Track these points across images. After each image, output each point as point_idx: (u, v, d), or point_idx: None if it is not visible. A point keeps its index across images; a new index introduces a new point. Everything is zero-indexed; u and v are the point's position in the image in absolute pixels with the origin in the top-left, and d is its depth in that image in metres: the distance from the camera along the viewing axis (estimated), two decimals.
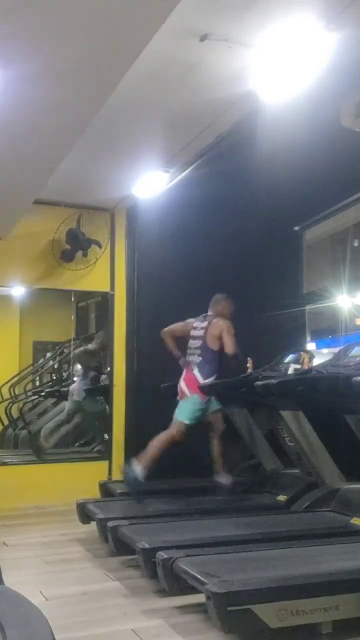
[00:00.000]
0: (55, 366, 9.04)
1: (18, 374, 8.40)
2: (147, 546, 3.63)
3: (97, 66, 3.26)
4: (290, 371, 4.79)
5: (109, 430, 6.63)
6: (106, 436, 6.91)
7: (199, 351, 5.37)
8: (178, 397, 5.39)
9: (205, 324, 5.41)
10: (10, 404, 8.27)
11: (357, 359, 4.37)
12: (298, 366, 4.83)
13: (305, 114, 4.35)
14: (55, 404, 8.61)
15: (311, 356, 4.96)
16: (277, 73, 3.70)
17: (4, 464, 6.94)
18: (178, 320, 5.73)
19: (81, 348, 8.03)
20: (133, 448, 6.41)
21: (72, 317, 7.89)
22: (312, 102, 4.14)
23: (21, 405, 8.55)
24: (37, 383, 9.04)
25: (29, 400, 8.76)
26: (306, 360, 4.82)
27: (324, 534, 4.03)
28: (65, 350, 8.48)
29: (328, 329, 10.04)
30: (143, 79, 3.90)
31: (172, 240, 6.44)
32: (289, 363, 4.98)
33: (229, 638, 2.96)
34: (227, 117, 4.58)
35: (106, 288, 6.77)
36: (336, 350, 5.05)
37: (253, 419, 5.60)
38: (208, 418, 5.40)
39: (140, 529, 4.13)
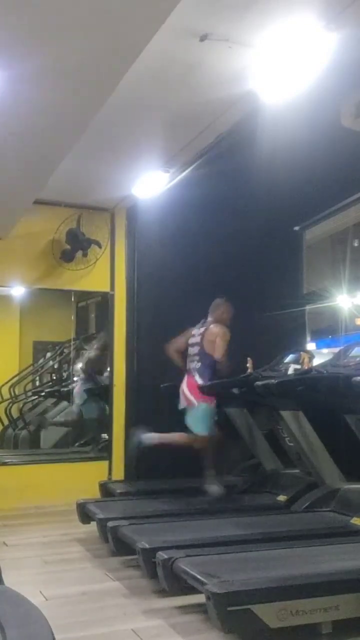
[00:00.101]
0: (55, 366, 9.04)
1: (18, 374, 8.41)
2: (147, 546, 3.63)
3: (97, 66, 3.26)
4: (290, 371, 4.79)
5: (109, 430, 6.63)
6: (106, 436, 6.91)
7: (197, 357, 5.39)
8: (183, 405, 5.37)
9: (202, 330, 5.44)
10: (10, 404, 8.28)
11: (357, 359, 4.37)
12: (298, 366, 4.84)
13: (305, 114, 4.35)
14: (55, 404, 8.62)
15: (311, 356, 4.96)
16: (277, 73, 3.70)
17: (4, 464, 6.93)
18: (178, 319, 5.75)
19: (90, 355, 7.99)
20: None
21: (72, 317, 7.89)
22: (312, 102, 4.15)
23: (21, 405, 8.56)
24: (37, 383, 9.05)
25: (29, 400, 8.77)
26: (306, 360, 4.83)
27: (324, 534, 4.03)
28: (65, 351, 8.49)
29: (328, 329, 10.04)
30: (143, 79, 3.90)
31: (172, 240, 6.44)
32: (289, 363, 4.98)
33: (229, 638, 2.96)
34: (227, 117, 4.58)
35: (106, 288, 6.77)
36: (336, 350, 5.05)
37: (253, 419, 5.60)
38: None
39: (140, 529, 4.13)
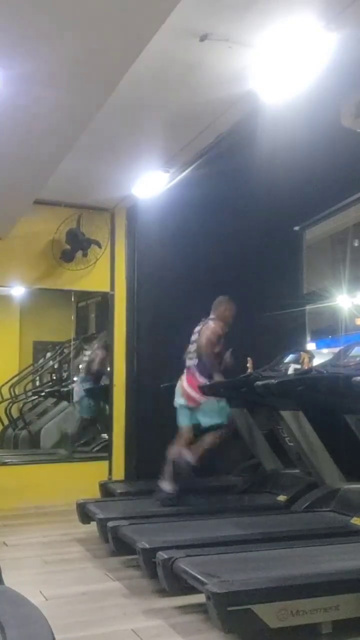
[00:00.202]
0: (55, 366, 9.04)
1: (18, 374, 8.41)
2: (147, 546, 3.63)
3: (97, 66, 3.26)
4: (290, 371, 4.79)
5: (109, 430, 6.63)
6: (106, 436, 6.91)
7: (195, 354, 5.38)
8: (181, 402, 5.36)
9: (200, 327, 5.43)
10: (10, 404, 8.28)
11: (357, 359, 4.37)
12: (298, 366, 4.83)
13: (305, 114, 4.35)
14: (55, 404, 8.62)
15: (311, 356, 4.96)
16: (277, 73, 3.70)
17: (4, 464, 6.94)
18: (178, 319, 5.75)
19: (92, 354, 7.98)
20: (133, 448, 6.43)
21: (72, 317, 7.89)
22: (312, 102, 4.14)
23: (21, 405, 8.56)
24: (37, 383, 9.05)
25: (29, 400, 8.77)
26: (306, 360, 4.82)
27: (324, 534, 4.03)
28: (65, 351, 8.49)
29: (328, 329, 10.03)
30: (143, 79, 3.90)
31: (172, 240, 6.44)
32: (289, 363, 4.98)
33: (229, 638, 2.96)
34: (227, 117, 4.58)
35: (106, 288, 6.77)
36: (336, 350, 5.05)
37: (253, 419, 5.60)
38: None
39: (140, 529, 4.13)
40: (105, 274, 6.71)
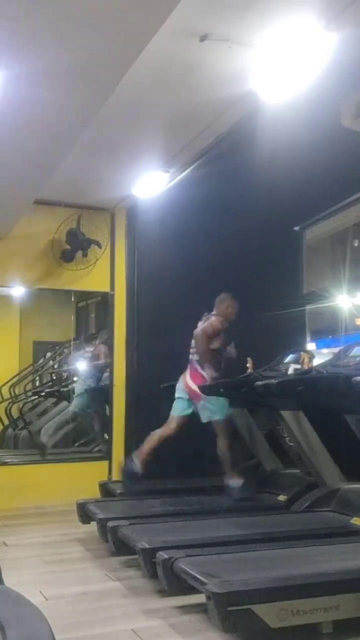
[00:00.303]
0: (55, 366, 9.04)
1: (18, 374, 8.40)
2: (147, 546, 3.63)
3: (97, 66, 3.26)
4: (290, 371, 4.79)
5: (109, 430, 6.63)
6: (106, 436, 6.91)
7: (196, 349, 5.39)
8: (183, 394, 5.38)
9: (202, 322, 5.44)
10: (10, 404, 8.27)
11: (357, 359, 4.37)
12: (298, 366, 4.83)
13: (305, 114, 4.35)
14: (55, 404, 8.62)
15: (311, 356, 4.96)
16: (277, 73, 3.70)
17: (4, 464, 6.93)
18: (178, 319, 5.76)
19: (100, 353, 7.97)
20: (133, 448, 6.42)
21: (72, 317, 7.89)
22: (312, 102, 4.15)
23: (21, 405, 8.55)
24: (37, 383, 9.05)
25: (29, 400, 8.77)
26: (306, 360, 4.82)
27: (324, 534, 4.03)
28: (66, 351, 8.48)
29: (328, 329, 10.03)
30: (143, 79, 3.90)
31: (172, 240, 6.44)
32: (289, 363, 4.97)
33: (229, 638, 2.96)
34: (227, 117, 4.58)
35: (106, 288, 6.77)
36: (336, 350, 5.05)
37: (253, 419, 5.60)
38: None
39: (140, 529, 4.13)
40: (105, 274, 6.71)
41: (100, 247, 6.58)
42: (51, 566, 4.25)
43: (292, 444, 5.01)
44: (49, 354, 8.96)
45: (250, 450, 5.75)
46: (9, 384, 8.18)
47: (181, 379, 5.47)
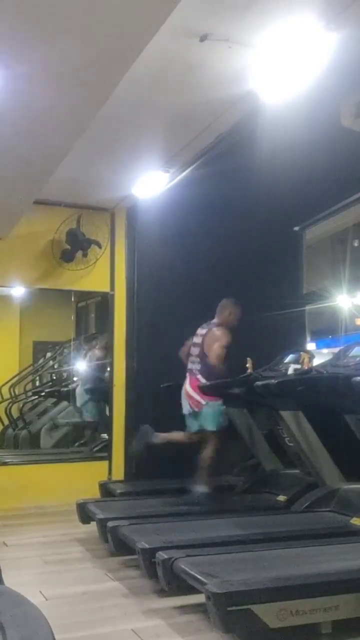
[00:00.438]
0: (55, 366, 9.04)
1: (18, 374, 8.41)
2: (147, 546, 3.63)
3: (97, 66, 3.26)
4: (290, 371, 4.79)
5: (109, 431, 6.63)
6: (106, 436, 6.91)
7: (198, 359, 5.38)
8: (187, 409, 5.35)
9: (204, 331, 5.42)
10: (10, 404, 8.28)
11: (357, 359, 4.37)
12: (298, 366, 4.83)
13: (305, 114, 4.35)
14: (55, 404, 8.63)
15: (311, 356, 4.95)
16: (277, 73, 3.70)
17: (4, 464, 6.94)
18: (178, 319, 5.76)
19: (86, 352, 7.99)
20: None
21: (72, 317, 7.89)
22: (312, 102, 4.14)
23: (21, 405, 8.56)
24: (37, 383, 9.05)
25: (29, 400, 8.77)
26: (306, 360, 4.82)
27: (324, 534, 4.03)
28: (66, 351, 8.49)
29: (328, 329, 10.03)
30: (143, 79, 3.90)
31: (172, 240, 6.44)
32: (289, 363, 4.97)
33: (229, 638, 2.96)
34: (227, 117, 4.58)
35: (106, 288, 6.77)
36: (336, 350, 5.05)
37: (253, 419, 5.60)
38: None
39: (140, 529, 4.13)
40: (105, 274, 6.71)
41: (100, 247, 6.58)
42: (51, 566, 4.25)
43: (292, 444, 5.01)
44: (49, 354, 8.97)
45: (250, 450, 5.75)
46: (9, 384, 8.19)
47: (183, 390, 5.40)
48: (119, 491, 5.58)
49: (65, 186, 5.77)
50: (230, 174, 5.78)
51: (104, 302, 7.13)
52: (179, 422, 5.43)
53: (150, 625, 3.16)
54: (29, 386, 8.74)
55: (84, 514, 4.90)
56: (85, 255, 6.51)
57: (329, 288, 8.38)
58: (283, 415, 4.84)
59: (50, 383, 9.17)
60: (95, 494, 5.65)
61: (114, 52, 3.13)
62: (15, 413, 8.32)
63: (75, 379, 8.30)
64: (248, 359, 5.21)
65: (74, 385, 8.26)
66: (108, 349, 6.93)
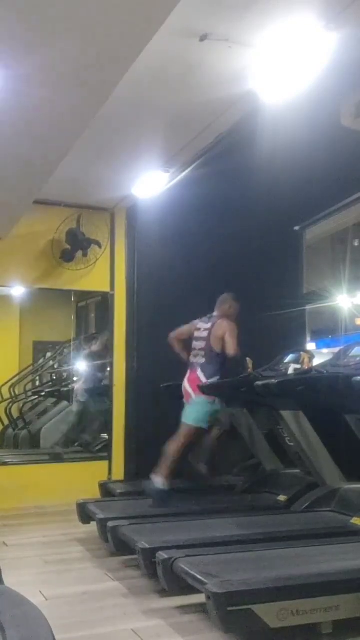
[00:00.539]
0: (56, 366, 9.04)
1: (18, 374, 8.41)
2: (147, 546, 3.63)
3: (97, 66, 3.26)
4: (290, 371, 4.78)
5: (109, 430, 6.63)
6: (106, 436, 6.91)
7: (202, 352, 5.37)
8: (184, 400, 5.37)
9: (209, 325, 5.40)
10: (10, 404, 8.28)
11: (357, 359, 4.37)
12: (298, 366, 4.82)
13: (305, 114, 4.35)
14: (55, 404, 8.63)
15: (311, 356, 4.95)
16: (277, 73, 3.70)
17: (4, 464, 6.94)
18: (178, 319, 5.73)
19: (85, 349, 8.02)
20: (133, 448, 6.43)
21: (72, 317, 7.90)
22: (312, 102, 4.14)
23: (21, 405, 8.56)
24: (37, 383, 9.06)
25: (29, 400, 8.77)
26: (306, 360, 4.81)
27: (324, 534, 4.03)
28: (66, 351, 8.49)
29: (328, 329, 10.03)
30: (143, 79, 3.90)
31: (172, 240, 6.44)
32: (289, 363, 4.97)
33: (229, 638, 2.96)
34: (227, 117, 4.58)
35: (106, 288, 6.77)
36: (336, 350, 5.05)
37: (253, 419, 5.60)
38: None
39: (140, 529, 4.13)
40: (105, 274, 6.71)
41: (100, 247, 6.58)
42: (51, 566, 4.25)
43: (292, 444, 5.01)
44: (49, 354, 8.97)
45: (250, 450, 5.75)
46: (9, 384, 8.19)
47: (183, 384, 5.42)
48: (119, 491, 5.58)
49: (65, 186, 5.77)
50: (230, 174, 5.78)
51: (104, 302, 7.13)
52: (179, 422, 5.43)
53: (150, 625, 3.16)
54: (29, 386, 8.74)
55: (84, 514, 4.90)
56: (85, 255, 6.51)
57: (329, 288, 8.39)
58: (283, 415, 4.83)
59: (50, 383, 9.17)
60: (95, 494, 5.65)
61: (114, 52, 3.13)
62: (15, 413, 8.31)
63: (75, 378, 8.30)
64: (248, 359, 5.21)
65: (73, 385, 8.27)
66: (108, 348, 6.93)
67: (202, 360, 5.33)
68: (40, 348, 8.86)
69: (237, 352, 5.20)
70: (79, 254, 6.48)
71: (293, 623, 2.83)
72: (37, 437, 8.12)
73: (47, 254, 6.48)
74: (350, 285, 8.46)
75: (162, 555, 3.37)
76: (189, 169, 5.44)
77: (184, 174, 5.51)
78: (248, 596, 2.81)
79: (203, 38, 3.57)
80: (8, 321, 8.24)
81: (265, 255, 6.70)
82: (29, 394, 8.74)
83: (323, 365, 4.72)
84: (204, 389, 5.21)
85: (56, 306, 7.79)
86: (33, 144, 4.16)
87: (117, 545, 4.16)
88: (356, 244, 10.41)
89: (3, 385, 8.06)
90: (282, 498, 4.93)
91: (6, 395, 8.20)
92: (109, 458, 6.54)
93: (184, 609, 3.34)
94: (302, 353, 4.98)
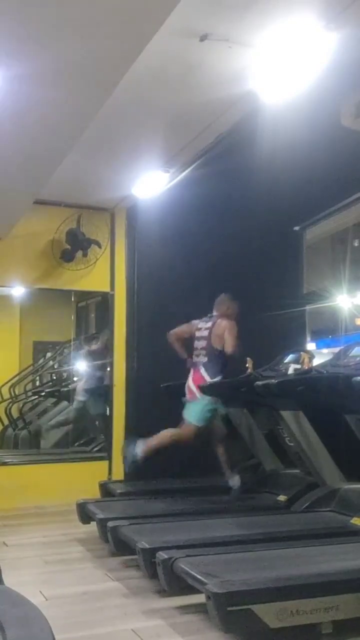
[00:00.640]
0: (55, 366, 9.04)
1: (18, 374, 8.41)
2: (147, 546, 3.63)
3: (97, 66, 3.26)
4: (290, 371, 4.78)
5: (109, 430, 6.63)
6: (104, 436, 6.91)
7: (204, 352, 5.39)
8: (187, 398, 5.39)
9: (209, 324, 5.43)
10: (10, 404, 8.28)
11: (357, 359, 4.37)
12: (298, 366, 4.83)
13: (305, 114, 4.36)
14: (55, 404, 8.62)
15: (311, 356, 4.95)
16: (277, 73, 3.70)
17: (4, 464, 6.94)
18: (178, 319, 5.74)
19: (84, 349, 8.01)
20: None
21: (72, 317, 7.89)
22: (312, 102, 4.15)
23: (21, 405, 8.56)
24: (37, 383, 9.05)
25: (29, 400, 8.77)
26: (306, 360, 4.82)
27: (324, 534, 4.03)
28: (66, 351, 8.49)
29: (328, 329, 10.04)
30: (143, 79, 3.90)
31: (172, 240, 6.44)
32: (289, 363, 4.97)
33: (229, 638, 2.96)
34: (227, 117, 4.58)
35: (106, 288, 6.77)
36: (336, 350, 5.05)
37: (253, 419, 5.60)
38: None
39: (140, 529, 4.13)
40: (105, 274, 6.71)
41: (100, 247, 6.58)
42: (51, 566, 4.25)
43: (292, 444, 5.01)
44: (49, 354, 8.97)
45: (250, 450, 5.75)
46: (9, 384, 8.18)
47: (186, 384, 5.44)
48: (119, 491, 5.57)
49: (65, 186, 5.77)
50: (230, 174, 5.78)
51: (104, 302, 7.13)
52: (179, 422, 5.43)
53: (150, 625, 3.16)
54: (29, 386, 8.73)
55: (84, 514, 4.90)
56: (85, 255, 6.51)
57: (329, 288, 8.39)
58: (283, 415, 4.84)
59: (50, 383, 9.17)
60: (95, 494, 5.65)
61: (113, 52, 3.13)
62: (15, 413, 8.31)
63: (75, 378, 8.29)
64: (248, 358, 5.21)
65: (73, 385, 8.26)
66: (108, 348, 6.93)
67: (205, 359, 5.36)
68: (40, 348, 8.86)
69: (235, 350, 5.23)
70: (79, 254, 6.48)
71: (293, 623, 2.82)
72: (37, 437, 8.12)
73: (47, 254, 6.48)
74: (350, 285, 8.47)
75: (162, 555, 3.37)
76: (189, 169, 5.45)
77: (184, 174, 5.51)
78: (248, 596, 2.81)
79: (203, 38, 3.57)
80: (8, 321, 8.23)
81: (265, 255, 6.70)
82: (29, 394, 8.73)
83: (323, 365, 4.73)
84: (204, 390, 5.22)
85: (56, 306, 7.78)
86: (33, 144, 4.16)
87: (117, 545, 4.16)
88: (356, 244, 10.41)
89: (3, 385, 8.06)
90: (282, 498, 4.94)
91: (6, 395, 8.20)
92: (109, 458, 6.54)
93: (184, 609, 3.34)
94: (302, 353, 4.98)
